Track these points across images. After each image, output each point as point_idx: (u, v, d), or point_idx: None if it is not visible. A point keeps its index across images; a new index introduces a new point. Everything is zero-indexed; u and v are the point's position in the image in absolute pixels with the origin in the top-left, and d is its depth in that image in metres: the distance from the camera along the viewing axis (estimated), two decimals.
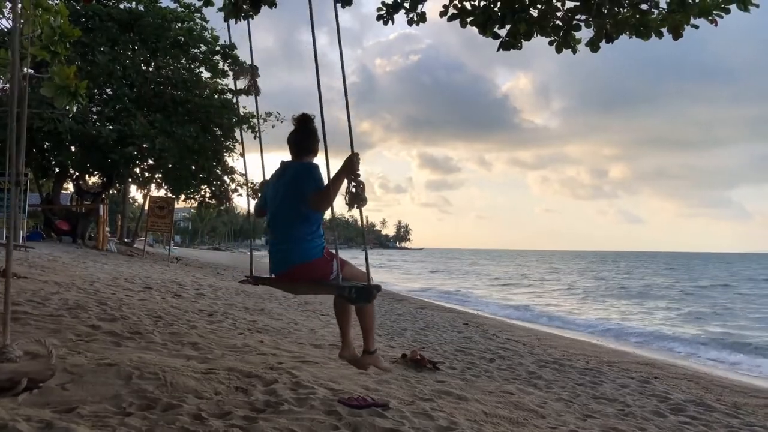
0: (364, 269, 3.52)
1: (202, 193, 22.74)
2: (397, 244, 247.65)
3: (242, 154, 23.05)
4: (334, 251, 3.58)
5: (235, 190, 22.96)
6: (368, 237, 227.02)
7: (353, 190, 3.38)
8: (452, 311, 14.93)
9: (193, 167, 20.23)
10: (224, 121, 20.07)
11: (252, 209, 4.33)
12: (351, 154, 3.41)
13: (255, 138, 21.91)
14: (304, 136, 3.71)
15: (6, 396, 2.37)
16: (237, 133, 20.99)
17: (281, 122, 22.37)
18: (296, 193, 3.54)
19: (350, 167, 3.38)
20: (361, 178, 3.40)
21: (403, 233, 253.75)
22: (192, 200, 23.17)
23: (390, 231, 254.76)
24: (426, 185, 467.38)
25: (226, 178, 22.44)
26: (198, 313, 7.25)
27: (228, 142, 21.30)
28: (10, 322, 2.60)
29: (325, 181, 3.43)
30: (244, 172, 23.27)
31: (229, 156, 22.17)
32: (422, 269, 50.63)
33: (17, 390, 2.35)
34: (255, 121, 20.93)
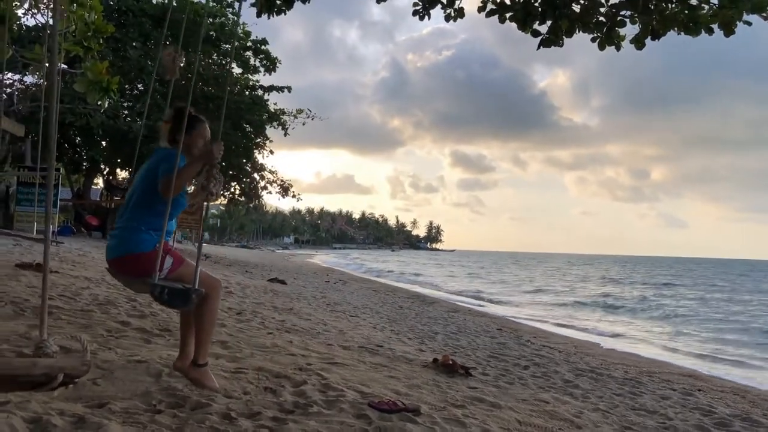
0: (207, 272, 3.39)
1: (232, 190, 23.05)
2: (428, 245, 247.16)
3: (273, 152, 23.35)
4: (176, 250, 3.41)
5: (265, 188, 23.23)
6: (401, 238, 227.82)
7: (204, 181, 3.20)
8: (485, 315, 14.84)
9: (223, 164, 20.55)
10: (255, 117, 20.33)
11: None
12: (212, 141, 3.26)
13: (285, 135, 22.17)
14: (177, 127, 3.48)
15: (42, 390, 2.45)
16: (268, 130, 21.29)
17: (312, 119, 22.61)
18: (150, 176, 3.37)
19: (207, 156, 3.21)
20: (216, 173, 3.22)
21: (434, 234, 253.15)
22: (221, 197, 23.54)
23: (421, 231, 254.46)
24: (458, 185, 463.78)
25: (255, 175, 22.72)
26: (227, 311, 7.35)
27: (258, 139, 21.56)
28: (46, 318, 2.68)
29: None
30: (274, 170, 23.55)
31: (260, 153, 22.45)
32: (454, 272, 50.45)
33: (53, 385, 2.42)
34: (286, 117, 21.15)
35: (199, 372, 3.43)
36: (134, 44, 19.18)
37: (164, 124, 3.57)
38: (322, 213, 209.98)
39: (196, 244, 25.54)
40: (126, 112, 20.23)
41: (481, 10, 5.31)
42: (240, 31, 20.99)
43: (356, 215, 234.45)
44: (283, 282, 14.75)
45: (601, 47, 5.02)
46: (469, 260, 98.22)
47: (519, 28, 5.19)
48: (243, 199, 23.24)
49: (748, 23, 4.21)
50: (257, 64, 21.70)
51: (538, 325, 14.55)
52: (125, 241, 3.33)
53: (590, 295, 27.41)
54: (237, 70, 21.56)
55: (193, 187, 3.41)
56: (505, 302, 21.76)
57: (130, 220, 3.36)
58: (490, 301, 21.68)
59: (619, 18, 4.88)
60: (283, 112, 22.03)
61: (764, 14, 4.06)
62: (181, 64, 3.46)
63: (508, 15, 5.21)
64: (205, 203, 3.35)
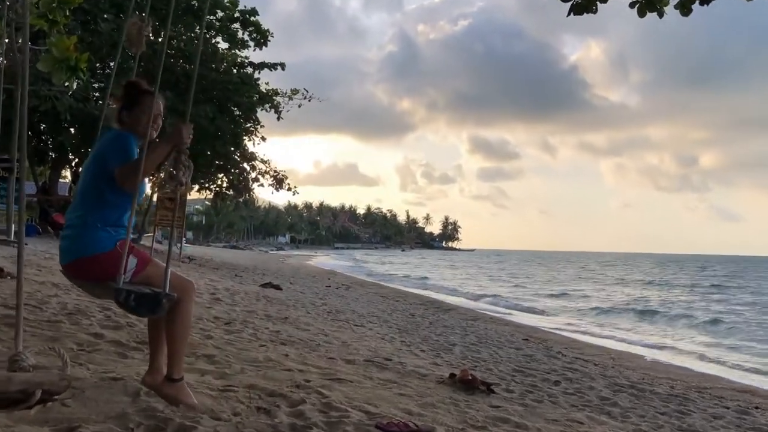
0: (179, 273, 3.40)
1: (219, 182, 23.11)
2: (444, 244, 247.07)
3: (264, 138, 23.37)
4: (135, 246, 3.39)
5: (256, 180, 23.25)
6: (412, 236, 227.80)
7: (171, 169, 3.18)
8: (509, 324, 14.84)
9: (209, 153, 20.55)
10: (244, 99, 20.33)
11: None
12: (183, 123, 3.26)
13: (279, 119, 22.17)
14: (122, 101, 3.55)
15: (18, 409, 2.45)
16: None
17: (309, 101, 22.60)
18: (97, 165, 3.36)
19: (175, 138, 3.20)
20: (186, 159, 3.19)
21: (450, 231, 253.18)
22: (207, 191, 23.61)
23: (435, 228, 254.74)
24: (478, 174, 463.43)
25: (245, 165, 22.74)
26: (214, 320, 7.37)
27: (248, 124, 21.58)
28: (21, 329, 2.69)
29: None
30: (266, 159, 23.59)
31: (250, 140, 22.46)
32: (474, 274, 50.44)
33: (30, 403, 2.42)
34: (279, 99, 21.18)
35: (174, 387, 3.41)
36: (106, 16, 19.20)
37: (115, 102, 3.59)
38: (322, 208, 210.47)
39: (179, 245, 25.43)
40: (97, 94, 20.28)
41: None
42: (226, 1, 21.00)
43: (361, 210, 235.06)
44: (277, 287, 14.78)
45: (641, 14, 4.99)
46: (491, 261, 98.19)
47: None
48: (231, 192, 23.28)
49: None
50: (246, 37, 21.71)
51: (570, 334, 14.53)
52: (78, 242, 3.31)
53: (629, 300, 27.34)
54: (223, 44, 21.59)
55: (154, 177, 3.40)
56: (533, 309, 21.74)
57: (82, 217, 3.34)
58: (515, 308, 21.67)
59: None
60: (276, 93, 22.01)
61: None
62: (149, 35, 3.46)
63: None
64: (178, 192, 3.32)
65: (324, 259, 66.98)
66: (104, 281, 3.23)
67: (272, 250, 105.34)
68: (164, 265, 3.26)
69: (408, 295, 21.93)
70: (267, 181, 24.29)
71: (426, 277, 39.69)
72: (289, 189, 25.19)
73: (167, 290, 3.13)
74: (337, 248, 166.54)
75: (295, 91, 21.99)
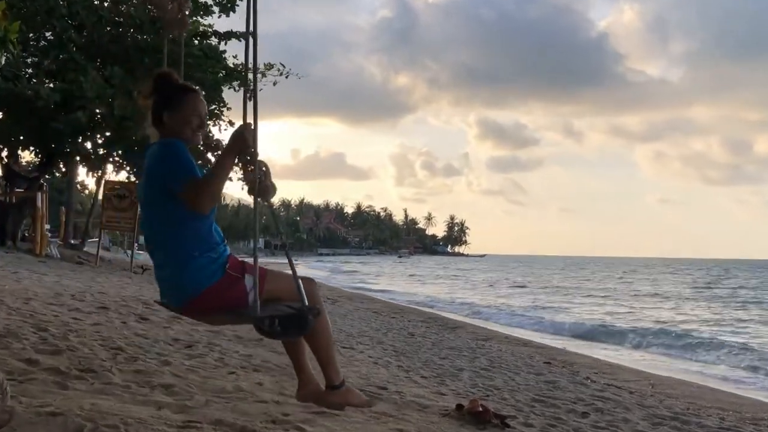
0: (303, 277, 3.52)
1: None
2: (449, 249, 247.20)
3: (232, 123, 23.24)
4: (245, 261, 3.54)
5: None
6: (408, 240, 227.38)
7: (256, 176, 3.33)
8: (528, 344, 14.85)
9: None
10: (208, 75, 20.27)
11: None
12: (240, 125, 3.40)
13: (250, 100, 22.11)
14: (161, 101, 3.61)
15: None
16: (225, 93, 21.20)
17: (285, 77, 22.56)
18: (157, 189, 3.45)
19: (238, 143, 3.34)
20: (259, 158, 3.35)
21: (457, 233, 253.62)
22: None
23: (438, 230, 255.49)
24: (488, 165, 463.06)
25: (209, 155, 22.68)
26: (172, 343, 7.35)
27: (213, 106, 21.51)
28: None
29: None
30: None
31: (215, 125, 22.40)
32: (484, 283, 50.51)
33: None
34: (250, 75, 21.19)
35: (340, 394, 3.72)
36: None
37: (143, 100, 3.68)
38: (303, 206, 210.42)
39: (129, 252, 25.37)
40: (30, 71, 20.21)
41: None
42: None
43: (349, 209, 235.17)
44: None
45: None
46: (506, 269, 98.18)
47: None
48: None
49: None
50: (209, 1, 21.65)
51: (600, 356, 14.55)
52: (182, 282, 3.45)
53: (672, 315, 27.41)
54: None
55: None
56: (555, 326, 21.77)
57: (172, 253, 3.47)
58: (535, 325, 21.68)
59: None
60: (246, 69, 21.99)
61: None
62: (188, 12, 3.57)
63: None
64: (265, 202, 3.49)
65: (305, 269, 66.99)
66: (235, 309, 3.44)
67: (243, 256, 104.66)
68: (282, 273, 3.53)
69: (406, 310, 21.93)
70: (235, 174, 24.33)
71: (432, 293, 39.73)
72: None
73: (306, 302, 3.32)
74: (321, 255, 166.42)
75: (269, 66, 21.93)
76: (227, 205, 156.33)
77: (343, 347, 9.61)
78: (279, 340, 3.60)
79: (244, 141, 3.30)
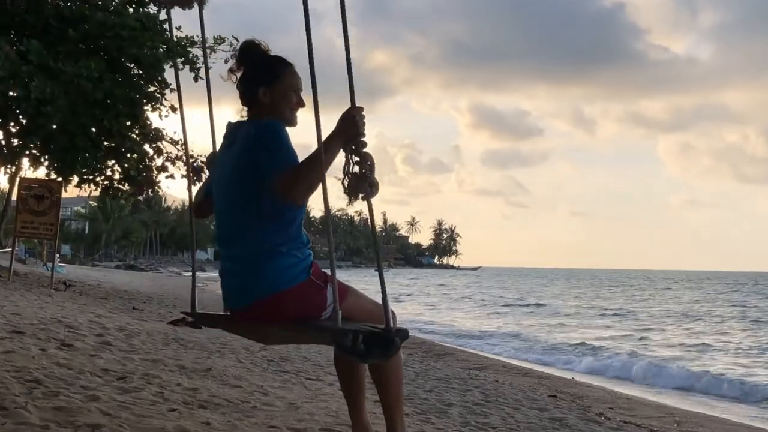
0: (378, 301, 3.51)
1: (109, 173, 22.89)
2: (437, 260, 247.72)
3: (174, 108, 23.11)
4: (326, 272, 3.58)
5: (164, 168, 23.09)
6: (387, 249, 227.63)
7: (355, 168, 3.42)
8: (530, 374, 14.90)
9: (94, 129, 20.33)
10: (145, 52, 20.15)
11: (192, 201, 4.37)
12: (350, 107, 3.48)
13: (196, 81, 21.99)
14: (253, 75, 3.78)
15: None
16: (167, 73, 21.05)
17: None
18: (250, 174, 3.60)
19: (348, 128, 3.44)
20: (367, 149, 3.44)
21: (446, 242, 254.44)
22: (91, 186, 23.33)
23: (424, 238, 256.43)
24: (484, 159, 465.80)
25: (147, 147, 22.56)
26: (101, 374, 7.29)
27: (152, 88, 21.38)
28: None
29: (306, 152, 3.49)
30: (181, 139, 23.35)
31: (154, 110, 22.26)
32: (476, 302, 50.71)
33: None
34: (197, 51, 21.05)
35: None
36: None
37: (229, 74, 3.90)
38: None
39: (49, 265, 25.28)
40: None
41: None
42: None
43: (316, 212, 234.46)
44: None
45: None
46: (504, 284, 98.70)
47: None
48: (127, 187, 23.06)
49: None
50: None
51: (614, 386, 14.61)
52: (261, 276, 3.62)
53: (701, 338, 27.64)
54: None
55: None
56: (560, 352, 21.87)
57: (256, 243, 3.64)
58: (537, 352, 21.78)
59: None
60: (193, 43, 21.86)
61: None
62: None
63: None
64: (365, 200, 3.51)
65: None
66: (306, 320, 3.63)
67: (187, 270, 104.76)
68: (363, 293, 3.81)
69: None
70: (179, 170, 24.14)
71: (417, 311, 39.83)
72: None
73: (392, 323, 3.43)
74: None
75: (219, 40, 21.83)
76: (169, 208, 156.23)
77: (309, 378, 9.58)
78: (361, 360, 3.69)
79: (355, 126, 3.40)
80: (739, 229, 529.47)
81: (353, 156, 3.42)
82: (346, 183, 3.44)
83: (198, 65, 20.47)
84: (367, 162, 3.40)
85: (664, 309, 46.92)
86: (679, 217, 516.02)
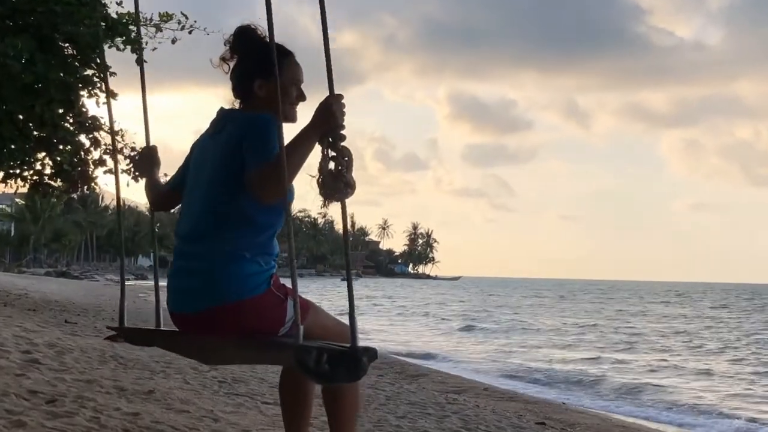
0: (341, 319, 3.54)
1: (38, 167, 22.77)
2: (411, 269, 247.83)
3: (114, 94, 23.09)
4: (287, 284, 3.64)
5: (101, 162, 23.00)
6: (355, 256, 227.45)
7: (332, 164, 3.43)
8: (515, 398, 14.94)
9: (22, 117, 20.21)
10: (81, 29, 20.07)
11: (149, 193, 4.38)
12: (328, 95, 3.51)
13: (139, 63, 21.81)
14: (248, 65, 3.83)
15: None
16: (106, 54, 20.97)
17: (189, 33, 22.38)
18: (232, 166, 3.63)
19: (325, 119, 3.46)
20: (345, 143, 3.47)
21: (421, 248, 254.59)
22: (18, 181, 23.20)
23: (397, 243, 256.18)
24: (464, 155, 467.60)
25: (84, 138, 22.45)
26: (28, 396, 7.24)
27: (88, 71, 21.29)
28: None
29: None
30: (122, 130, 23.26)
31: (90, 96, 22.17)
32: (454, 316, 50.82)
33: None
34: (139, 30, 20.98)
35: None
36: None
37: (220, 62, 3.95)
38: None
39: None
40: None
41: None
42: None
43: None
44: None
45: None
46: (486, 296, 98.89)
47: None
48: (59, 183, 22.94)
49: None
50: None
51: (614, 413, 14.69)
52: (219, 281, 3.62)
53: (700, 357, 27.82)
54: None
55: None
56: (550, 373, 21.97)
57: (220, 244, 3.66)
58: (524, 373, 21.86)
59: None
60: (134, 20, 21.79)
61: None
62: None
63: None
64: (339, 201, 3.52)
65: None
66: (264, 335, 3.62)
67: (129, 278, 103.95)
68: (323, 310, 3.82)
69: None
70: (120, 165, 24.02)
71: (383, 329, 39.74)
72: None
73: (358, 342, 3.38)
74: None
75: (166, 17, 21.75)
76: (107, 207, 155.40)
77: (265, 402, 9.57)
78: (319, 382, 3.71)
79: (333, 116, 3.42)
80: (750, 236, 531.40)
81: (329, 151, 3.44)
82: (320, 182, 3.44)
83: (141, 46, 20.33)
84: (344, 158, 3.42)
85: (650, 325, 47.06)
86: (683, 223, 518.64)
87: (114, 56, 21.89)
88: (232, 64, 3.92)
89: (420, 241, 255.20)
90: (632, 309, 71.09)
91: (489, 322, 47.30)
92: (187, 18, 22.27)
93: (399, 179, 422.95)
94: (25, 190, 23.63)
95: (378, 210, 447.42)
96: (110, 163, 23.03)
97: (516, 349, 29.91)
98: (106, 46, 20.67)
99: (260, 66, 3.73)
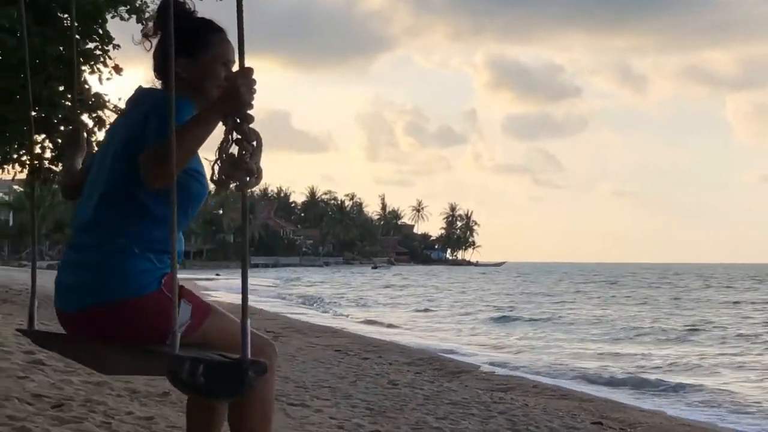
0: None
1: (38, 150, 22.87)
2: (450, 255, 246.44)
3: (119, 69, 23.12)
4: (184, 286, 3.60)
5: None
6: (387, 242, 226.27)
7: (233, 150, 3.30)
8: (568, 396, 14.87)
9: (19, 96, 20.28)
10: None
11: (62, 181, 4.40)
12: (235, 70, 3.42)
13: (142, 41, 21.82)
14: (167, 39, 3.62)
15: None
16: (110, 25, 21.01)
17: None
18: (131, 152, 3.55)
19: (231, 96, 3.32)
20: (253, 125, 3.33)
21: (460, 232, 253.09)
22: (15, 166, 23.34)
23: (433, 227, 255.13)
24: (506, 127, 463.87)
25: (86, 118, 22.53)
26: (33, 401, 7.30)
27: (90, 44, 21.34)
28: None
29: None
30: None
31: (93, 72, 22.24)
32: (498, 305, 50.66)
33: None
34: None
35: None
36: None
37: (142, 39, 3.87)
38: (228, 194, 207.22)
39: None
40: None
41: None
42: None
43: (298, 196, 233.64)
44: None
45: None
46: (534, 283, 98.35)
47: None
48: (59, 168, 23.06)
49: None
50: None
51: (674, 410, 14.62)
52: (104, 276, 3.55)
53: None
54: None
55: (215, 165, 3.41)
56: (604, 369, 21.86)
57: (110, 235, 3.59)
58: (577, 369, 21.77)
59: None
60: None
61: None
62: None
63: None
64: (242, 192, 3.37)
65: (232, 284, 66.64)
66: (143, 341, 3.53)
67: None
68: (232, 318, 3.61)
69: (384, 347, 21.90)
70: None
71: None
72: None
73: (249, 355, 3.22)
74: (257, 266, 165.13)
75: None
76: None
77: (291, 404, 9.60)
78: (198, 395, 3.59)
79: (239, 95, 3.26)
80: None
81: (233, 134, 3.29)
82: (216, 167, 3.31)
83: (147, 15, 20.27)
84: (250, 142, 3.27)
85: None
86: (753, 197, 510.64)
87: (119, 27, 21.95)
88: (154, 41, 3.85)
89: (459, 224, 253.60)
90: (694, 295, 70.53)
91: (534, 312, 46.99)
92: None
93: (434, 155, 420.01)
94: (23, 176, 23.73)
95: (411, 190, 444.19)
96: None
97: (564, 342, 29.72)
98: (108, 16, 20.72)
99: (184, 43, 3.64)
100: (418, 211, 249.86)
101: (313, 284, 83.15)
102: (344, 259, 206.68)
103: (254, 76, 3.31)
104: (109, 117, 22.83)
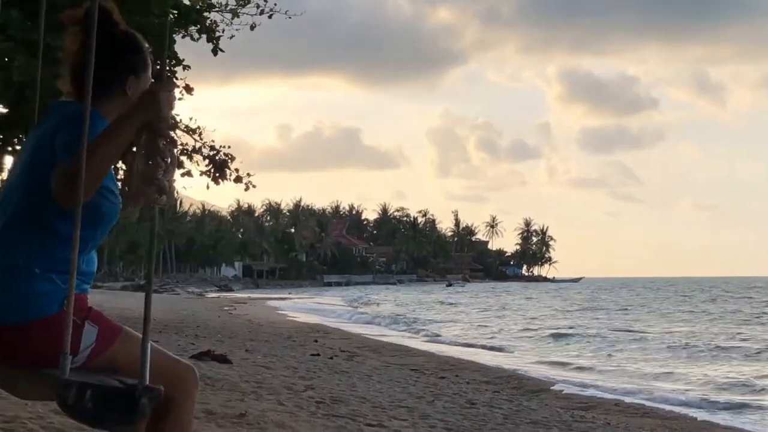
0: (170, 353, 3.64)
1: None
2: (525, 271, 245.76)
3: (189, 89, 23.27)
4: (94, 308, 3.55)
5: (179, 165, 23.26)
6: (461, 259, 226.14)
7: (148, 161, 3.19)
8: (649, 414, 14.72)
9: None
10: (150, 18, 20.32)
11: None
12: (154, 81, 3.48)
13: (216, 53, 22.06)
14: (114, 59, 3.64)
15: None
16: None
17: (270, 17, 22.46)
18: (37, 168, 3.47)
19: (149, 107, 3.22)
20: (168, 145, 3.24)
21: (536, 247, 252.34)
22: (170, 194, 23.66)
23: (508, 243, 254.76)
24: (580, 141, 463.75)
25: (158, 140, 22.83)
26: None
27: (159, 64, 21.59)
28: None
29: None
30: (201, 127, 23.39)
31: None
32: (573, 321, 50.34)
33: None
34: (215, 16, 21.11)
35: None
36: None
37: (64, 54, 3.69)
38: (299, 212, 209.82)
39: None
40: None
41: None
42: None
43: (370, 214, 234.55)
44: (224, 359, 14.77)
45: None
46: (613, 298, 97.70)
47: None
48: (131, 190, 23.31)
49: None
50: None
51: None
52: (3, 296, 3.44)
53: None
54: None
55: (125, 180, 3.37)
56: (689, 390, 21.60)
57: (11, 255, 3.48)
58: (655, 388, 21.54)
59: None
60: (211, 6, 21.87)
61: None
62: None
63: None
64: (155, 208, 3.29)
65: (305, 304, 66.88)
66: (39, 365, 3.38)
67: (211, 290, 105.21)
68: (139, 339, 3.29)
69: (461, 365, 21.83)
70: (198, 166, 24.15)
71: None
72: (239, 180, 25.12)
73: (147, 381, 3.09)
74: (328, 284, 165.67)
75: (243, 1, 21.85)
76: (185, 213, 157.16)
77: (369, 425, 9.56)
78: (88, 424, 3.32)
79: (157, 107, 3.18)
80: None
81: (146, 149, 3.18)
82: (126, 186, 3.26)
83: (218, 34, 20.35)
84: (164, 158, 3.17)
85: None
86: None
87: (188, 47, 22.19)
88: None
89: (534, 240, 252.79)
90: None
91: (608, 328, 46.75)
92: (266, 1, 22.29)
93: (507, 170, 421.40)
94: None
95: (485, 206, 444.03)
96: (188, 164, 23.23)
97: (642, 362, 29.48)
98: (178, 37, 20.94)
99: (135, 63, 3.64)
100: (492, 226, 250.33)
101: (382, 302, 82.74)
102: (418, 277, 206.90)
103: (175, 92, 3.30)
104: (180, 137, 23.06)
